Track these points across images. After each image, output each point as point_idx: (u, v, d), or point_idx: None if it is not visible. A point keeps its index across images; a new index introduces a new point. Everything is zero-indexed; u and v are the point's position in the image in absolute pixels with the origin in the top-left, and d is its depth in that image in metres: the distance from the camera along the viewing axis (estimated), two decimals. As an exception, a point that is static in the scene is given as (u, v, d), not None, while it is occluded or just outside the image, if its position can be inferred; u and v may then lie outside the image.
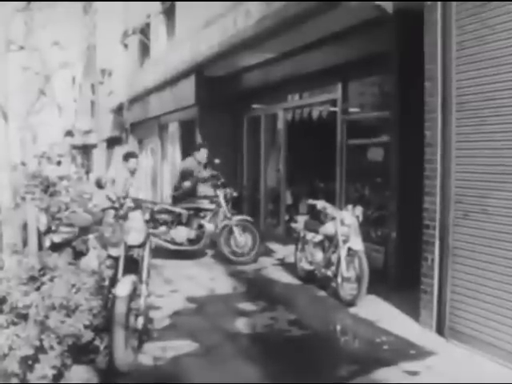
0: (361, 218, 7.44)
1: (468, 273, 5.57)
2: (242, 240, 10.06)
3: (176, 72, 15.39)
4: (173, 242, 10.11)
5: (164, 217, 9.94)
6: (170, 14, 18.38)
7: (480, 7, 5.37)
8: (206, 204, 10.28)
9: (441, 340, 5.80)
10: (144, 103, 19.99)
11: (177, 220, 10.18)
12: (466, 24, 5.55)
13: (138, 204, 6.30)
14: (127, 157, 9.90)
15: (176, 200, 10.73)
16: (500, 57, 5.17)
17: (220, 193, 10.17)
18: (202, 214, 10.25)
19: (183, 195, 10.58)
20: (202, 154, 10.89)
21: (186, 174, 10.79)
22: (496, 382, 4.80)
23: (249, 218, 10.51)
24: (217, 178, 10.40)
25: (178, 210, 10.10)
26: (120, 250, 5.53)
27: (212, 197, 10.28)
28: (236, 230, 10.08)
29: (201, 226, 10.18)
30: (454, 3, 5.66)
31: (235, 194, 10.44)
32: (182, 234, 10.08)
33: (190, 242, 10.16)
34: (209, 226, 10.14)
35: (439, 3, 5.83)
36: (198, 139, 13.93)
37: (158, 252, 9.38)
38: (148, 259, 5.64)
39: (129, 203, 6.23)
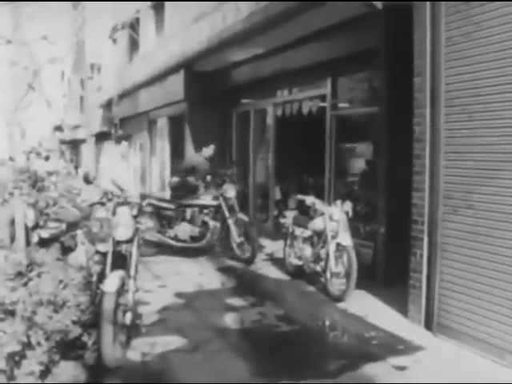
0: (350, 214, 7.45)
1: (457, 268, 5.60)
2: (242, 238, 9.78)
3: (165, 67, 15.34)
4: (176, 238, 10.05)
5: (168, 213, 9.94)
6: (159, 9, 18.33)
7: (468, 4, 5.38)
8: (209, 200, 10.13)
9: (429, 335, 5.82)
10: (133, 98, 19.93)
11: (181, 216, 10.13)
12: (455, 20, 5.56)
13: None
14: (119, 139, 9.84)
15: (178, 196, 10.67)
16: (488, 53, 5.19)
17: (232, 190, 9.97)
18: (205, 211, 10.13)
19: (186, 191, 10.54)
20: (210, 151, 11.03)
21: (190, 170, 10.81)
22: (483, 376, 4.83)
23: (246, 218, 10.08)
24: (230, 176, 10.41)
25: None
26: (108, 245, 5.51)
27: (215, 193, 10.11)
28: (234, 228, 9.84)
29: (204, 223, 10.11)
30: None
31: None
32: (185, 230, 10.03)
33: (193, 239, 10.06)
34: (212, 223, 10.05)
35: None
36: (187, 134, 13.94)
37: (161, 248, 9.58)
38: (136, 254, 5.61)
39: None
